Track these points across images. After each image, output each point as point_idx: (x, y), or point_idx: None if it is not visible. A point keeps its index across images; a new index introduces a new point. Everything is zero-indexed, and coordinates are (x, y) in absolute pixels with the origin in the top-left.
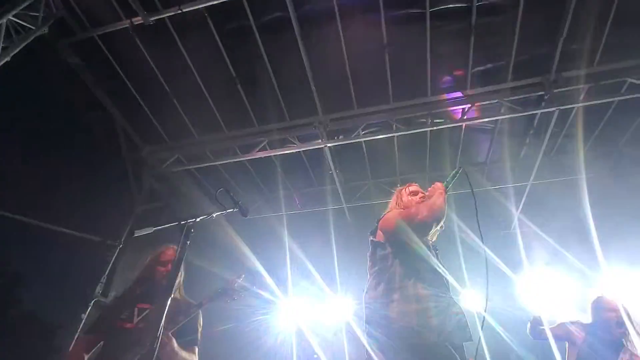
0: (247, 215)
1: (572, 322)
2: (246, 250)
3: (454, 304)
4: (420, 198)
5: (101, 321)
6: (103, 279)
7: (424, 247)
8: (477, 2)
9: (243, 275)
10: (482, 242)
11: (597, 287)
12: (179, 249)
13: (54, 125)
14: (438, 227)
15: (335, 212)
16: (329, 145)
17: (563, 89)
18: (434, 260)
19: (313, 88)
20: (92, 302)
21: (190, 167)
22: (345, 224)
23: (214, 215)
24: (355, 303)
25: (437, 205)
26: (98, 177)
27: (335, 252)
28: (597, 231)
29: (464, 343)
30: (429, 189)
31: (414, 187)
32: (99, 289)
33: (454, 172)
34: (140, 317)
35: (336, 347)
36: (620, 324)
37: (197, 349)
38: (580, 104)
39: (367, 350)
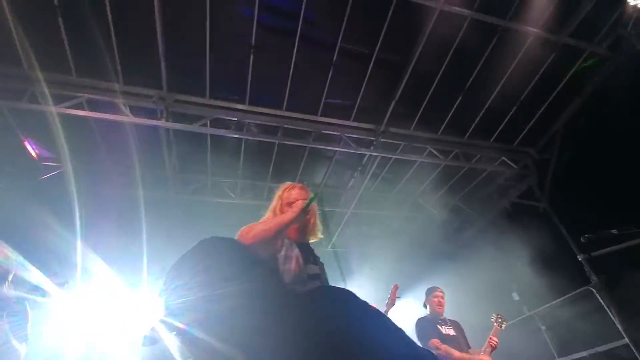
0: None
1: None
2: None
3: None
4: None
5: None
6: None
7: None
8: (340, 43)
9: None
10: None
11: None
12: None
13: None
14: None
15: (159, 200)
16: (167, 126)
17: (386, 140)
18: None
19: (162, 58)
20: None
21: None
22: (169, 215)
23: None
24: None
25: (269, 226)
26: None
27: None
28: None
29: None
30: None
31: (296, 193)
32: None
33: (312, 195)
34: None
35: None
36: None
37: (25, 345)
38: (397, 156)
39: None
